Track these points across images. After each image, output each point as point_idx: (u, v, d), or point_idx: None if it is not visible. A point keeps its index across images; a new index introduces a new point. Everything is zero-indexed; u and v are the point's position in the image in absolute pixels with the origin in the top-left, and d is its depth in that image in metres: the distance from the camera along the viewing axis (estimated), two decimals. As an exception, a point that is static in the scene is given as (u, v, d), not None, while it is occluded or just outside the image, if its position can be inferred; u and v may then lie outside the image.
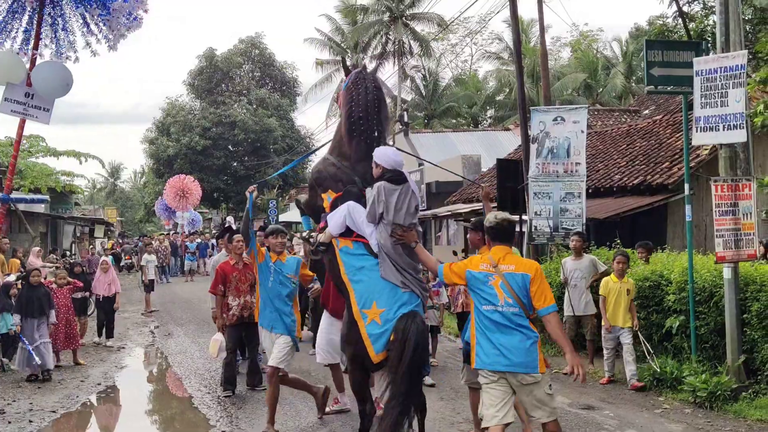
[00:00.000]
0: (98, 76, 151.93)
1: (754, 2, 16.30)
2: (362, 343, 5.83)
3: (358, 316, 5.89)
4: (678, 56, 9.15)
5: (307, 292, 12.22)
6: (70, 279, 12.21)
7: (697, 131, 8.44)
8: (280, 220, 38.99)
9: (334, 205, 6.43)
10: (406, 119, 31.03)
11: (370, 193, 6.22)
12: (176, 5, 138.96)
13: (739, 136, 8.13)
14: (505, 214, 5.64)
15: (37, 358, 10.20)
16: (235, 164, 49.79)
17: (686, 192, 9.29)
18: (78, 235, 35.14)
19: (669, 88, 9.59)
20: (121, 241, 47.36)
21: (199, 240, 33.93)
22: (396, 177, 6.23)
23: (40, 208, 25.82)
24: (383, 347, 5.80)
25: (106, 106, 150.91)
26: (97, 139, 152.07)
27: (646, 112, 25.74)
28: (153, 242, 28.87)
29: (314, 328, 11.89)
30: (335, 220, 6.28)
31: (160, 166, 48.66)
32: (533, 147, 13.08)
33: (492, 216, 5.61)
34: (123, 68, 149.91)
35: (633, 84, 43.23)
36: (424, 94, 48.49)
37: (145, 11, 8.41)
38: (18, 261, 15.19)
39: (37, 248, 17.57)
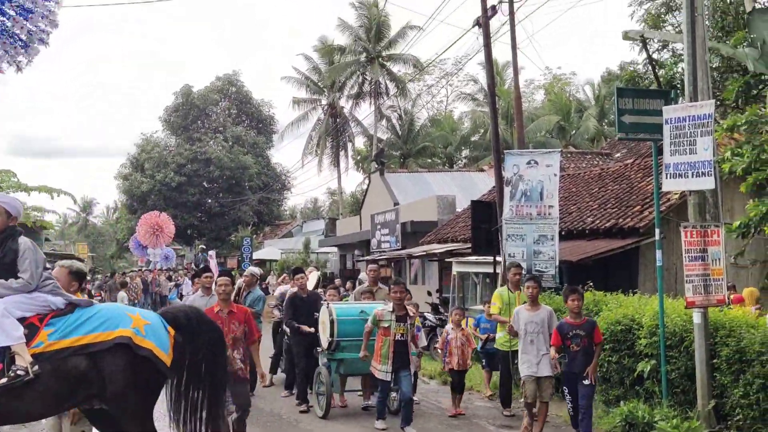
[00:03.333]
0: (73, 110, 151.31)
1: (721, 51, 16.69)
2: (155, 356, 5.47)
3: (130, 333, 5.44)
4: (648, 104, 9.33)
5: (283, 334, 12.14)
6: None
7: (667, 178, 8.59)
8: (254, 257, 38.82)
9: None
10: (382, 159, 31.15)
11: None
12: (154, 41, 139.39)
13: (708, 183, 8.29)
14: None
15: None
16: (209, 201, 49.68)
17: (657, 237, 9.41)
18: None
19: (640, 135, 9.75)
20: (90, 277, 46.69)
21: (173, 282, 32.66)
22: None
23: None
24: (167, 345, 5.59)
25: (80, 140, 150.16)
26: (70, 173, 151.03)
27: (618, 155, 26.10)
28: (127, 280, 28.49)
29: (287, 370, 11.83)
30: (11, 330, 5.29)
31: (134, 202, 48.42)
32: (507, 189, 13.23)
33: None
34: (98, 102, 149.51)
35: (605, 127, 43.96)
36: (399, 133, 48.86)
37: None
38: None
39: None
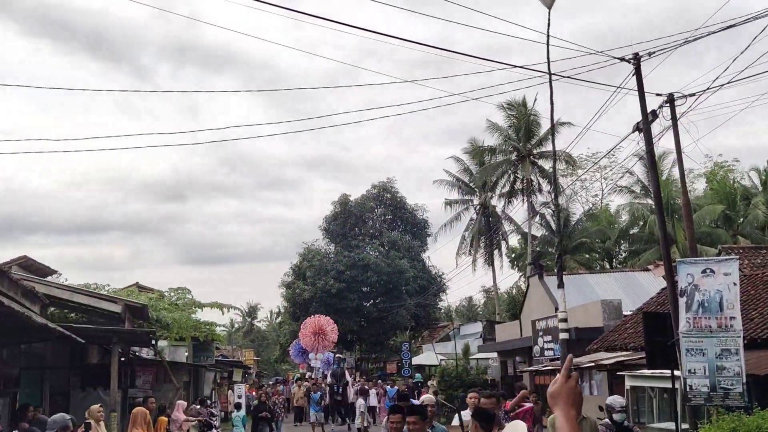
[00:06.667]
0: (237, 221, 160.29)
1: None
2: None
3: None
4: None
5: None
6: None
7: None
8: (413, 363, 38.69)
9: None
10: (540, 263, 30.60)
11: None
12: (312, 157, 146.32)
13: None
14: None
15: None
16: (367, 305, 50.39)
17: None
18: (218, 381, 36.01)
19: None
20: (257, 381, 47.99)
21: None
22: None
23: (183, 358, 26.78)
24: None
25: (245, 246, 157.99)
26: (235, 278, 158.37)
27: (798, 248, 24.31)
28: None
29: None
30: None
31: (296, 309, 49.91)
32: (682, 301, 12.55)
33: None
34: (261, 213, 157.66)
35: (776, 214, 41.29)
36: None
37: None
38: (165, 419, 15.62)
39: (182, 402, 18.05)
